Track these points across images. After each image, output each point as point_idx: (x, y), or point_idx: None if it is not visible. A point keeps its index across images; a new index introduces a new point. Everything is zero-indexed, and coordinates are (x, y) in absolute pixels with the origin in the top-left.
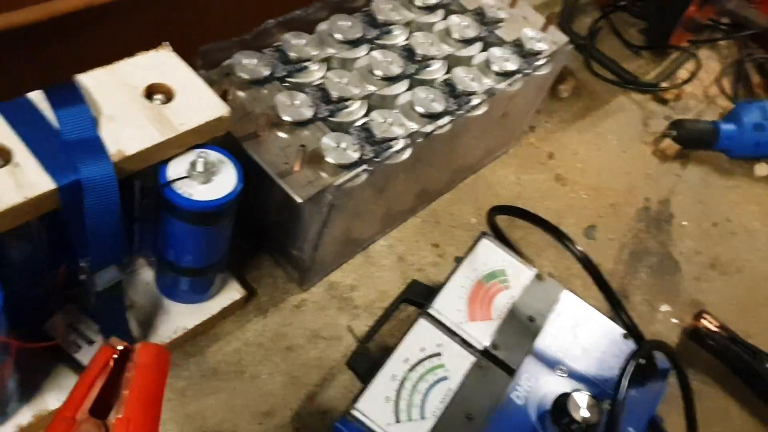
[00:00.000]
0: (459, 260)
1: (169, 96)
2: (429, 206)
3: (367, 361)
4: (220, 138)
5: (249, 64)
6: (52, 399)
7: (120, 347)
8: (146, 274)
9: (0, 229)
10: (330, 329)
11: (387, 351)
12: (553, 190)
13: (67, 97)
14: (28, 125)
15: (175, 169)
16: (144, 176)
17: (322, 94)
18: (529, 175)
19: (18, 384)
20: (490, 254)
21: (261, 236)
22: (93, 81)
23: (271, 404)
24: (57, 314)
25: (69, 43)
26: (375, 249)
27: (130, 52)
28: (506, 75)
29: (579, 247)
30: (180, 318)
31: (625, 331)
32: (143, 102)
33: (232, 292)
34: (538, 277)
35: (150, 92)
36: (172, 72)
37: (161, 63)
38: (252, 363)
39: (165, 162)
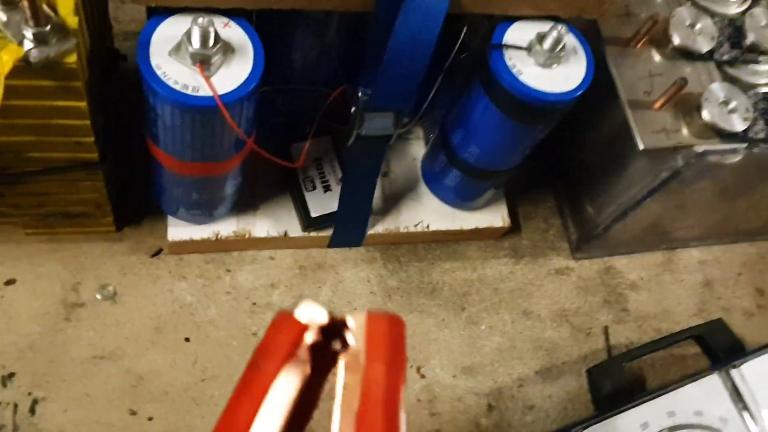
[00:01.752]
0: None
1: None
2: None
3: (614, 382)
4: (582, 24)
5: None
6: (261, 226)
7: (321, 319)
8: (417, 150)
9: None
10: (582, 318)
11: (640, 384)
12: None
13: None
14: None
15: (517, 34)
16: (474, 28)
17: (732, 31)
18: None
19: (235, 191)
20: None
21: (557, 168)
22: None
23: (475, 363)
24: (308, 141)
25: None
26: (682, 256)
27: None
28: None
29: None
30: (428, 213)
31: None
32: None
33: (495, 217)
34: None
35: None
36: None
37: None
38: (477, 306)
39: (509, 21)
